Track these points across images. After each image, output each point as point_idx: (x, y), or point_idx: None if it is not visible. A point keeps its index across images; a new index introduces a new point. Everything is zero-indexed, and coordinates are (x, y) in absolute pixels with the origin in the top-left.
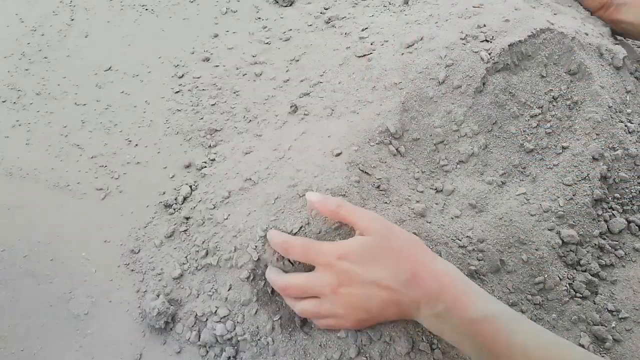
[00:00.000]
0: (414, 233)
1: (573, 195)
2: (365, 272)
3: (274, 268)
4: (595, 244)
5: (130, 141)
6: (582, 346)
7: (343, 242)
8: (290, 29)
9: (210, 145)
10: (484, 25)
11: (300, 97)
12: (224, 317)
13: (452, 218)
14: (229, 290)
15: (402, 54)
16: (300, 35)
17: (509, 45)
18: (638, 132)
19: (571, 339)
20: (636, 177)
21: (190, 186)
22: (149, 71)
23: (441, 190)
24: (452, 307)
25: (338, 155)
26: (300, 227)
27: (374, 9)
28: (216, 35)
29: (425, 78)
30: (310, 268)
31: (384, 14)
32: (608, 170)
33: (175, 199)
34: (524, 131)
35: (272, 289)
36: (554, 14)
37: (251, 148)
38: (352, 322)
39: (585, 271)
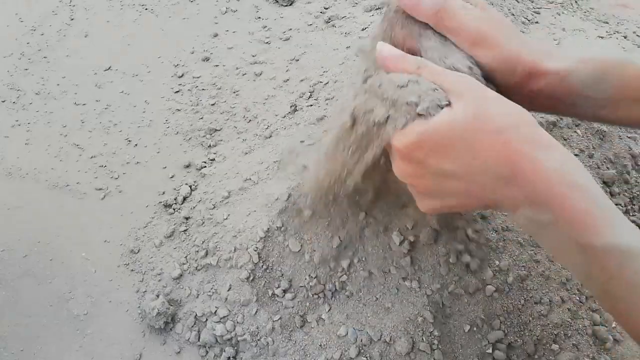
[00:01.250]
0: None
1: None
2: (448, 163)
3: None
4: None
5: (130, 141)
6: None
7: (427, 98)
8: (290, 29)
9: (210, 145)
10: None
11: (300, 97)
12: (224, 317)
13: None
14: (228, 290)
15: None
16: (300, 34)
17: None
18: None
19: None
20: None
21: (190, 186)
22: (149, 71)
23: None
24: (566, 222)
25: None
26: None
27: (374, 9)
28: (216, 35)
29: None
30: None
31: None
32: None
33: (175, 199)
34: None
35: (273, 290)
36: None
37: (251, 148)
38: (427, 208)
39: None
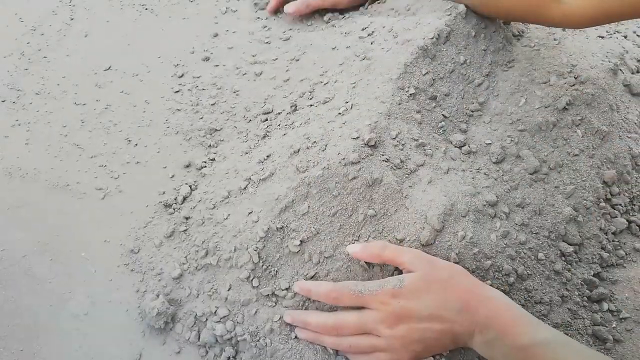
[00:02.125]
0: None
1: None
2: (420, 307)
3: (302, 311)
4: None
5: (130, 141)
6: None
7: (391, 281)
8: (290, 29)
9: (210, 145)
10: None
11: (300, 97)
12: (224, 317)
13: None
14: (228, 290)
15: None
16: (300, 34)
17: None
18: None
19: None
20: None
21: (190, 186)
22: (149, 71)
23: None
24: (503, 333)
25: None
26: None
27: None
28: (216, 35)
29: None
30: (332, 307)
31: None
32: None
33: (175, 199)
34: None
35: (273, 290)
36: None
37: (251, 148)
38: (408, 356)
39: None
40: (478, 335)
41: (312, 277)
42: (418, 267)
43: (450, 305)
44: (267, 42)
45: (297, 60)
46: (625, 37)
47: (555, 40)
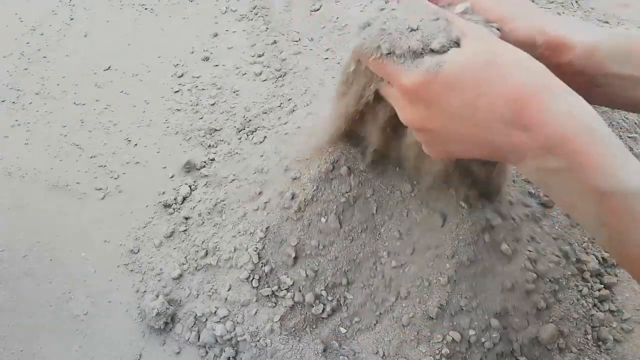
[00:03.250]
0: None
1: None
2: (455, 102)
3: None
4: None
5: (129, 141)
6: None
7: (428, 59)
8: (290, 28)
9: (210, 145)
10: None
11: (300, 97)
12: (224, 317)
13: None
14: (228, 290)
15: None
16: (300, 34)
17: None
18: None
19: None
20: None
21: (190, 186)
22: (149, 71)
23: None
24: (579, 168)
25: None
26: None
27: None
28: (216, 35)
29: None
30: None
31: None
32: None
33: (174, 199)
34: None
35: (273, 290)
36: None
37: (251, 148)
38: (435, 154)
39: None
40: (532, 160)
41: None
42: (476, 41)
43: (499, 110)
44: (267, 42)
45: (298, 60)
46: None
47: None
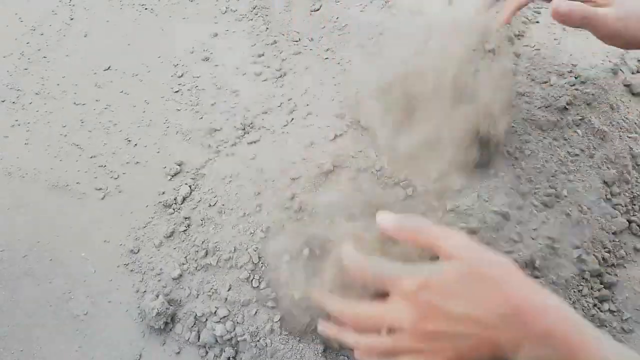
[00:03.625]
0: None
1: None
2: (453, 305)
3: (330, 294)
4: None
5: (129, 141)
6: None
7: (425, 268)
8: (290, 28)
9: (210, 145)
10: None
11: (300, 97)
12: (224, 317)
13: None
14: (228, 290)
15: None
16: (300, 34)
17: None
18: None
19: None
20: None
21: (190, 186)
22: (149, 70)
23: None
24: (564, 353)
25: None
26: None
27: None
28: (216, 35)
29: None
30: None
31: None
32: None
33: (174, 199)
34: None
35: (273, 290)
36: None
37: (251, 148)
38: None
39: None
40: (527, 349)
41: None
42: (462, 256)
43: (494, 309)
44: (267, 42)
45: (298, 60)
46: None
47: (555, 40)
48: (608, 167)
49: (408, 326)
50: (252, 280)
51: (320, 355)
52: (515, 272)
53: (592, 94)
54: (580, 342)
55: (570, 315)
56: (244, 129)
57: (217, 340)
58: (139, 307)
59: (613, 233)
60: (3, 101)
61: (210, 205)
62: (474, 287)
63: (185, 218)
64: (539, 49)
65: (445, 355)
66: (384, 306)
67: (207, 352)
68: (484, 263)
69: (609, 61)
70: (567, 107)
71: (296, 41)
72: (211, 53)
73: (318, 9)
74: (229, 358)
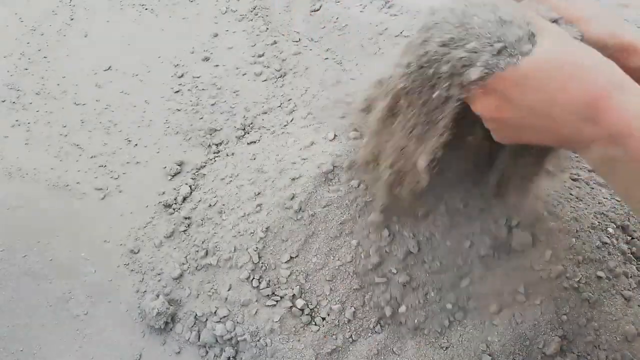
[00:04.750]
0: None
1: None
2: (531, 98)
3: None
4: None
5: (129, 141)
6: None
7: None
8: (291, 28)
9: (210, 145)
10: None
11: (300, 97)
12: (224, 317)
13: None
14: (228, 290)
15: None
16: (300, 34)
17: None
18: None
19: None
20: None
21: (190, 186)
22: (149, 71)
23: None
24: (636, 157)
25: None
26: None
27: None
28: (216, 35)
29: None
30: None
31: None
32: None
33: (175, 199)
34: None
35: (273, 290)
36: None
37: (251, 148)
38: (502, 138)
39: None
40: (597, 150)
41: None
42: (552, 39)
43: (571, 106)
44: (267, 42)
45: (298, 60)
46: None
47: None
48: None
49: (483, 114)
50: (252, 280)
51: (320, 354)
52: (610, 66)
53: None
54: None
55: None
56: (244, 129)
57: (217, 340)
58: (139, 307)
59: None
60: (3, 101)
61: (210, 205)
62: (556, 77)
63: (185, 218)
64: None
65: (507, 135)
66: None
67: (207, 352)
68: (576, 49)
69: None
70: None
71: (296, 41)
72: (211, 53)
73: (318, 9)
74: (229, 358)
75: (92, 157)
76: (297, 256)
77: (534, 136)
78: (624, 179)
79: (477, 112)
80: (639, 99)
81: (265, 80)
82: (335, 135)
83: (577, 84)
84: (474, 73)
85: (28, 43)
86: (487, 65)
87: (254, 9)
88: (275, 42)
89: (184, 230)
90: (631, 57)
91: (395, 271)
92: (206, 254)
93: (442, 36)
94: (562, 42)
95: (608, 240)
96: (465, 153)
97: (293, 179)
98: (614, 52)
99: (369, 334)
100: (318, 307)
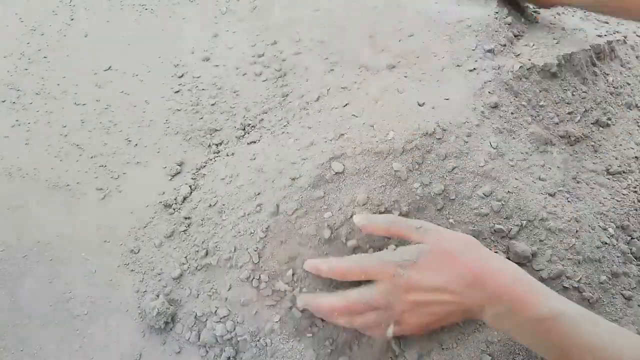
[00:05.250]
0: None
1: None
2: (428, 279)
3: (314, 294)
4: None
5: (130, 141)
6: None
7: (400, 252)
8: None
9: (210, 145)
10: None
11: (300, 97)
12: (224, 317)
13: None
14: (228, 290)
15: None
16: (301, 34)
17: None
18: None
19: None
20: None
21: (190, 186)
22: (149, 71)
23: None
24: (515, 306)
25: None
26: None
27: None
28: (216, 35)
29: None
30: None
31: None
32: None
33: (175, 199)
34: None
35: (272, 289)
36: None
37: (251, 148)
38: (416, 326)
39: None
40: (489, 308)
41: None
42: (427, 239)
43: (459, 279)
44: (267, 42)
45: (298, 60)
46: (625, 37)
47: (555, 39)
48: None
49: (395, 300)
50: (252, 280)
51: (320, 354)
52: (474, 244)
53: None
54: (528, 295)
55: (521, 276)
56: (244, 129)
57: (217, 340)
58: (139, 307)
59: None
60: (3, 101)
61: (210, 205)
62: (440, 263)
63: (186, 218)
64: (538, 48)
65: (425, 320)
66: (372, 289)
67: (207, 352)
68: (445, 241)
69: None
70: None
71: (296, 41)
72: (211, 53)
73: (318, 9)
74: (229, 358)
75: (92, 157)
76: (297, 256)
77: (445, 312)
78: (516, 328)
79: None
80: (500, 260)
81: (265, 80)
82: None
83: (459, 264)
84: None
85: (28, 43)
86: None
87: (254, 9)
88: (275, 42)
89: (184, 230)
90: None
91: None
92: (206, 254)
93: None
94: (437, 240)
95: (608, 240)
96: None
97: (293, 179)
98: None
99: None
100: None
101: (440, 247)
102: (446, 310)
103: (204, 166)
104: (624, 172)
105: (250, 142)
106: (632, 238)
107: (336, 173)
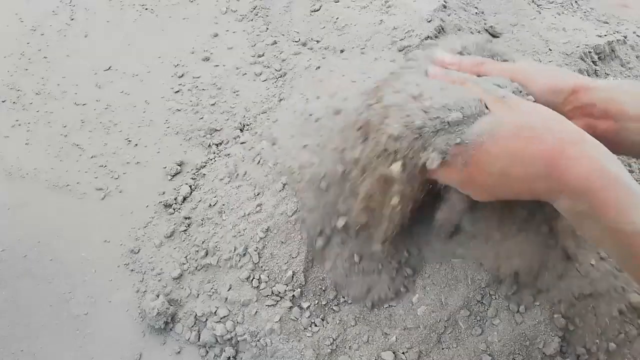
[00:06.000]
0: None
1: None
2: (491, 162)
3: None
4: None
5: (130, 141)
6: None
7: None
8: (290, 28)
9: (210, 145)
10: None
11: (300, 97)
12: (224, 317)
13: None
14: (228, 290)
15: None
16: (300, 34)
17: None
18: None
19: None
20: None
21: (190, 186)
22: (149, 71)
23: None
24: (600, 211)
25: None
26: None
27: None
28: (216, 35)
29: None
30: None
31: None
32: None
33: (175, 199)
34: None
35: (272, 289)
36: None
37: (251, 148)
38: (480, 198)
39: None
40: (566, 200)
41: None
42: (503, 107)
43: (530, 164)
44: (267, 42)
45: (297, 60)
46: (625, 37)
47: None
48: None
49: (460, 185)
50: (252, 280)
51: (320, 354)
52: (558, 120)
53: None
54: (619, 203)
55: (612, 172)
56: (244, 129)
57: (217, 340)
58: (139, 307)
59: None
60: (3, 101)
61: (210, 205)
62: (514, 142)
63: (186, 218)
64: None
65: (484, 197)
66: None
67: (207, 352)
68: (524, 111)
69: None
70: None
71: (296, 41)
72: (211, 53)
73: (318, 9)
74: (229, 358)
75: (92, 157)
76: (297, 256)
77: (510, 193)
78: (593, 231)
79: (447, 183)
80: (594, 152)
81: (265, 80)
82: None
83: (532, 145)
84: (434, 162)
85: (28, 43)
86: (442, 150)
87: (254, 9)
88: (275, 42)
89: (184, 230)
90: (580, 96)
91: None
92: (206, 254)
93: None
94: (513, 108)
95: None
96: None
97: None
98: (567, 96)
99: None
100: (319, 307)
101: (517, 122)
102: (512, 193)
103: (204, 166)
104: None
105: (250, 142)
106: None
107: None
